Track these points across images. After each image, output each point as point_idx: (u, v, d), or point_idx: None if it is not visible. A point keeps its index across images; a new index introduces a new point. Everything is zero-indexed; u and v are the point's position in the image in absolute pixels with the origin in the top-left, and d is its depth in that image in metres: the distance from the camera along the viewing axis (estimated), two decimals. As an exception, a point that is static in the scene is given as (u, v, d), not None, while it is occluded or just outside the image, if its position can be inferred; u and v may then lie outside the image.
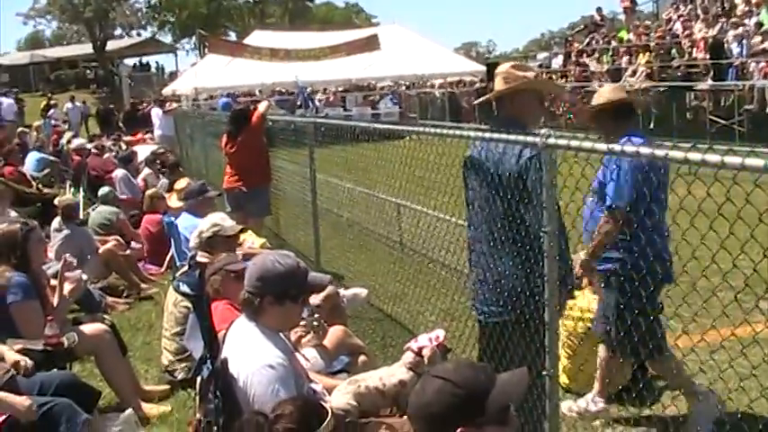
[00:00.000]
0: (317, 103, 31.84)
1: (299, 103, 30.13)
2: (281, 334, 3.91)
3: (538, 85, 4.70)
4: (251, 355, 3.60)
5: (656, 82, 23.35)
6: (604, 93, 5.41)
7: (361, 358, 4.91)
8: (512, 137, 3.96)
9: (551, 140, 3.59)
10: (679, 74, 23.23)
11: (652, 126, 22.24)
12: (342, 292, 6.07)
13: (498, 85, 4.55)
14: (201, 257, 5.86)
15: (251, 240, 8.69)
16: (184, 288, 4.98)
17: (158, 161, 15.05)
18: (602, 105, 5.25)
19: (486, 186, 4.36)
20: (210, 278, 4.97)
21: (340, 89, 34.49)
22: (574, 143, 3.46)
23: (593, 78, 27.66)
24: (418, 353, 4.21)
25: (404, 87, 34.77)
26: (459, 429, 2.47)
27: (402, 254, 8.84)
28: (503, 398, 2.56)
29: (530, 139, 3.77)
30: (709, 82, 22.04)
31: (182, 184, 9.38)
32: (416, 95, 33.44)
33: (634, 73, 24.86)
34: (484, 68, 32.30)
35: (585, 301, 5.77)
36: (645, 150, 3.05)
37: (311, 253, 8.42)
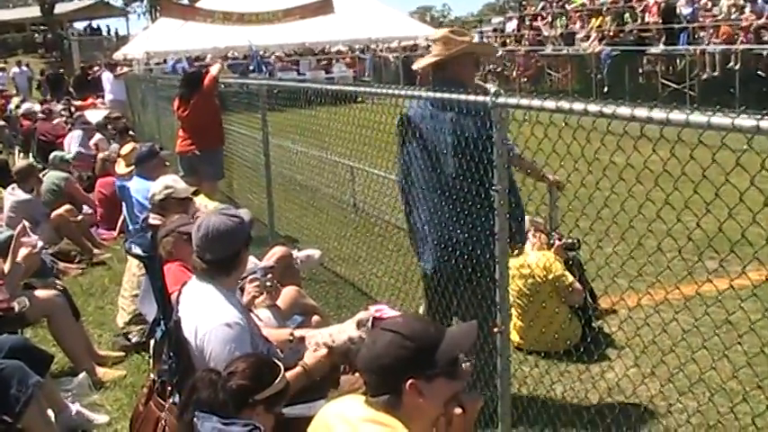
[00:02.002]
0: (271, 67, 31.57)
1: (251, 67, 29.85)
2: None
3: (476, 49, 5.04)
4: (207, 313, 3.61)
5: (609, 46, 23.49)
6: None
7: (315, 318, 4.94)
8: (463, 96, 3.99)
9: (501, 99, 3.62)
10: (632, 38, 23.40)
11: (606, 89, 22.45)
12: (295, 253, 6.09)
13: (440, 49, 4.82)
14: (154, 219, 5.84)
15: (204, 203, 8.65)
16: (136, 250, 4.98)
17: (109, 126, 14.84)
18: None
19: (435, 142, 4.58)
20: (163, 240, 4.95)
21: (293, 53, 34.22)
22: (523, 102, 3.50)
23: (547, 42, 27.79)
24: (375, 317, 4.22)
25: (357, 51, 34.57)
26: (408, 381, 2.52)
27: (356, 216, 8.86)
28: (452, 350, 2.60)
29: (480, 98, 3.79)
30: (661, 46, 22.24)
31: (127, 149, 9.29)
32: (370, 59, 33.31)
33: (588, 37, 24.99)
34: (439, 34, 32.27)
35: (534, 259, 5.86)
36: (592, 108, 3.08)
37: (265, 216, 8.41)
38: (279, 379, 3.23)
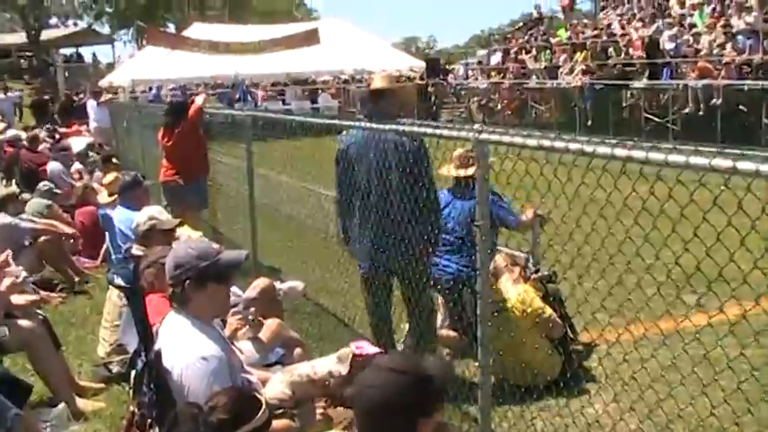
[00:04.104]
0: (257, 97, 31.68)
1: (237, 96, 29.93)
2: (216, 325, 3.92)
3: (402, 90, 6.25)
4: (185, 347, 3.60)
5: (593, 79, 23.70)
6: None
7: (297, 351, 4.94)
8: (446, 132, 4.03)
9: (484, 136, 3.66)
10: (615, 72, 23.62)
11: (590, 123, 22.62)
12: (278, 285, 6.08)
13: (384, 82, 5.95)
14: (137, 250, 5.83)
15: (187, 234, 8.64)
16: (118, 281, 4.98)
17: (91, 154, 14.82)
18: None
19: (381, 167, 5.39)
20: (145, 271, 4.94)
21: (280, 83, 34.32)
22: (506, 138, 3.53)
23: (531, 75, 28.01)
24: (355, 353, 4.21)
25: (343, 82, 34.73)
26: (420, 422, 2.54)
27: (339, 247, 8.86)
28: (443, 385, 2.63)
29: (463, 134, 3.83)
30: (645, 81, 22.45)
31: (110, 178, 9.28)
32: (356, 89, 33.46)
33: (571, 70, 25.20)
34: (423, 64, 32.48)
35: (512, 293, 5.89)
36: (573, 146, 3.12)
37: (248, 247, 8.40)
38: (260, 413, 3.22)
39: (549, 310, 5.86)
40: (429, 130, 4.23)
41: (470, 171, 6.16)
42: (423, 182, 5.26)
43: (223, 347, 3.73)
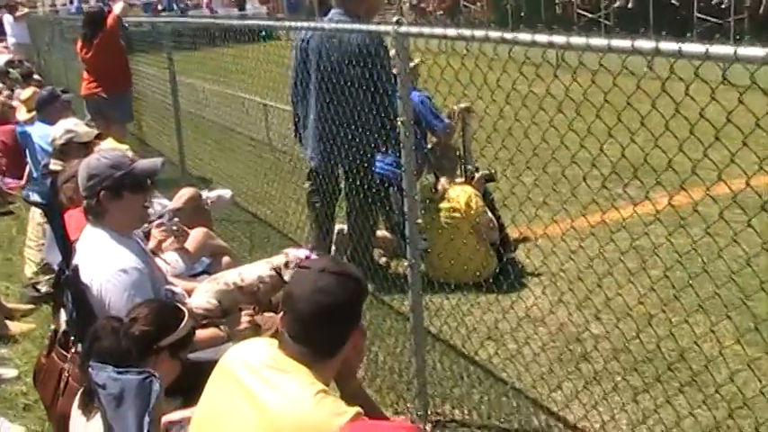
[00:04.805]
0: (183, 5, 30.84)
1: (161, 6, 29.15)
2: (136, 237, 3.79)
3: None
4: (103, 261, 3.47)
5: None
6: None
7: (225, 259, 4.81)
8: (365, 26, 3.92)
9: (403, 29, 3.53)
10: (546, -34, 23.37)
11: (522, 21, 22.42)
12: (205, 193, 5.94)
13: None
14: (55, 165, 5.61)
15: (112, 148, 8.39)
16: (35, 197, 4.78)
17: (11, 70, 14.27)
18: None
19: (340, 62, 5.27)
20: (63, 186, 4.76)
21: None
22: (425, 30, 3.41)
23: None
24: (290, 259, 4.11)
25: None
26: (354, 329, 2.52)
27: (271, 154, 8.71)
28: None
29: (382, 27, 3.70)
30: (576, -25, 22.26)
31: (27, 93, 8.91)
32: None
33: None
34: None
35: (455, 193, 5.84)
36: (493, 34, 3.01)
37: (176, 157, 8.22)
38: (183, 324, 3.13)
39: (489, 213, 5.83)
40: (348, 26, 4.08)
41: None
42: (380, 79, 5.11)
43: (143, 259, 3.61)
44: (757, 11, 16.90)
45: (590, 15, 21.03)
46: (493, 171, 6.07)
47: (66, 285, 3.54)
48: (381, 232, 6.35)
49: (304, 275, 2.50)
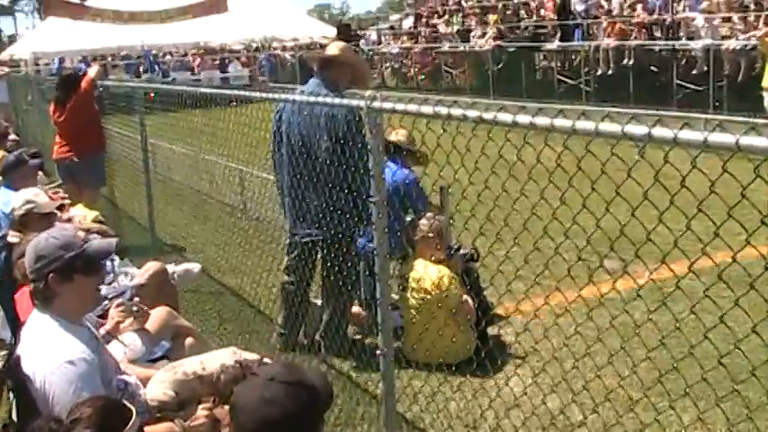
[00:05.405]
0: (165, 67, 30.84)
1: (143, 68, 29.13)
2: (87, 322, 3.51)
3: (357, 66, 6.00)
4: (48, 351, 3.18)
5: (505, 43, 23.56)
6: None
7: (188, 341, 4.49)
8: (337, 100, 3.71)
9: (376, 104, 3.33)
10: (527, 34, 23.52)
11: (503, 87, 22.46)
12: (171, 268, 5.68)
13: (334, 52, 5.76)
14: (12, 237, 5.32)
15: (82, 214, 8.13)
16: (-14, 272, 4.51)
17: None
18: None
19: (311, 135, 5.31)
20: (18, 261, 4.47)
21: (192, 52, 33.36)
22: (399, 106, 3.21)
23: (444, 39, 27.76)
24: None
25: (254, 50, 33.96)
26: None
27: (246, 222, 8.47)
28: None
29: (354, 102, 3.50)
30: (557, 43, 22.38)
31: (-5, 157, 8.55)
32: (266, 58, 32.77)
33: (483, 34, 25.00)
34: (335, 31, 31.92)
35: (417, 271, 5.61)
36: (471, 113, 2.81)
37: (146, 222, 7.98)
38: (130, 425, 2.84)
39: (459, 295, 5.56)
40: (321, 99, 3.89)
41: (393, 137, 6.09)
42: (353, 156, 4.99)
43: (93, 348, 3.32)
44: (736, 78, 16.95)
45: (570, 81, 21.08)
46: (473, 250, 5.83)
47: (6, 376, 3.26)
48: (356, 308, 6.11)
49: (251, 384, 2.26)
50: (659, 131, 2.17)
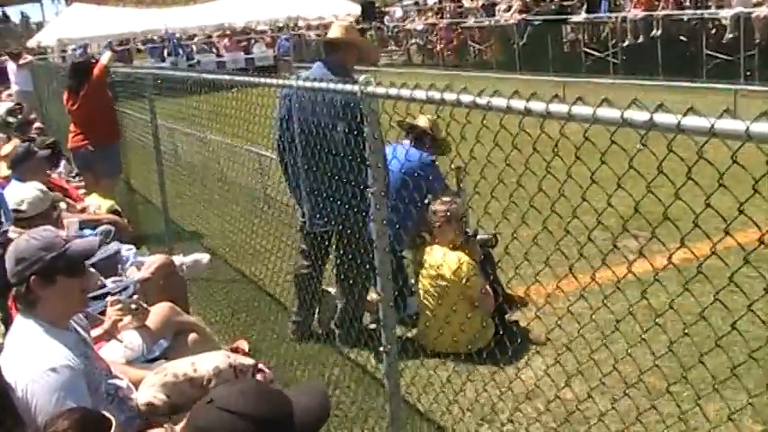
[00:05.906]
0: (189, 50, 30.76)
1: (167, 52, 29.08)
2: (75, 325, 3.36)
3: (362, 46, 6.00)
4: (31, 358, 3.03)
5: (531, 16, 23.19)
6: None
7: (191, 337, 4.33)
8: (332, 85, 3.52)
9: (370, 89, 3.14)
10: (553, 7, 23.12)
11: (529, 60, 22.12)
12: (180, 259, 5.55)
13: (338, 32, 5.66)
14: (14, 233, 5.17)
15: (97, 204, 8.03)
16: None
17: (11, 120, 13.96)
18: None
19: (319, 120, 5.08)
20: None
21: (216, 34, 33.18)
22: (392, 92, 3.01)
23: (469, 14, 27.42)
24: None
25: (278, 30, 33.73)
26: None
27: (267, 208, 8.28)
28: None
29: (348, 87, 3.31)
30: (584, 15, 21.96)
31: (7, 149, 8.39)
32: (286, 38, 32.57)
33: (509, 8, 24.62)
34: (359, 9, 31.62)
35: (435, 258, 5.41)
36: (465, 98, 2.61)
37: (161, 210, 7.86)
38: (110, 437, 2.69)
39: (479, 281, 5.34)
40: (317, 84, 3.71)
41: (418, 121, 5.93)
42: (358, 144, 4.74)
43: (81, 353, 3.18)
44: (767, 47, 16.53)
45: (597, 54, 20.67)
46: (491, 236, 5.62)
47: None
48: (372, 296, 5.93)
49: (196, 405, 2.06)
50: (661, 117, 1.97)
